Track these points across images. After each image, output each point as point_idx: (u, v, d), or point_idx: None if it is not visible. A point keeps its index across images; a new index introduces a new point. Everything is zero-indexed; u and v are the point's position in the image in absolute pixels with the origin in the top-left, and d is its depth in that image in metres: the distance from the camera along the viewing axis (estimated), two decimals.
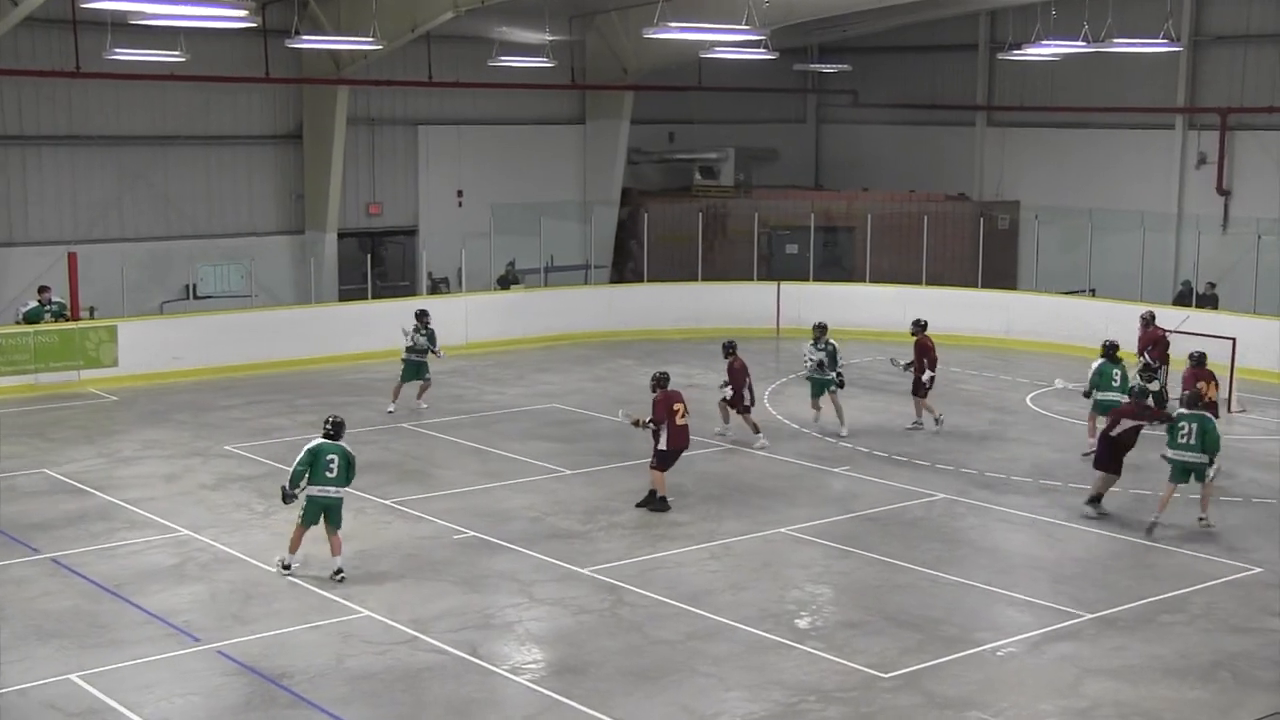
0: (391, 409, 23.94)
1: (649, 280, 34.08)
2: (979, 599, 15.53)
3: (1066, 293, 32.48)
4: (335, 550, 15.72)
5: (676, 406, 18.53)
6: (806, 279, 33.97)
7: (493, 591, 15.55)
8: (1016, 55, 31.42)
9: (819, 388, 22.92)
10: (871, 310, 32.36)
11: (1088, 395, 21.41)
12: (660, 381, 18.74)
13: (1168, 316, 25.91)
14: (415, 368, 24.28)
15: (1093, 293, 32.57)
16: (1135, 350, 24.21)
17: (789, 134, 41.42)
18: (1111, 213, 33.60)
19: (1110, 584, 15.94)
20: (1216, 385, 20.70)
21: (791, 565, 16.55)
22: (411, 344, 24.16)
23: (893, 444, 22.44)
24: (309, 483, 15.52)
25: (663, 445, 18.48)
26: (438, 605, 15.07)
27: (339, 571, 15.64)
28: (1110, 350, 21.43)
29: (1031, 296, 32.18)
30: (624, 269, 36.58)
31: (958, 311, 31.20)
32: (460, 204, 34.97)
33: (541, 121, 36.17)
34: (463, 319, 30.71)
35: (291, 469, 15.75)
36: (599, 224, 36.17)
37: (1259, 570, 16.41)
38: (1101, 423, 19.80)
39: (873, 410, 25.05)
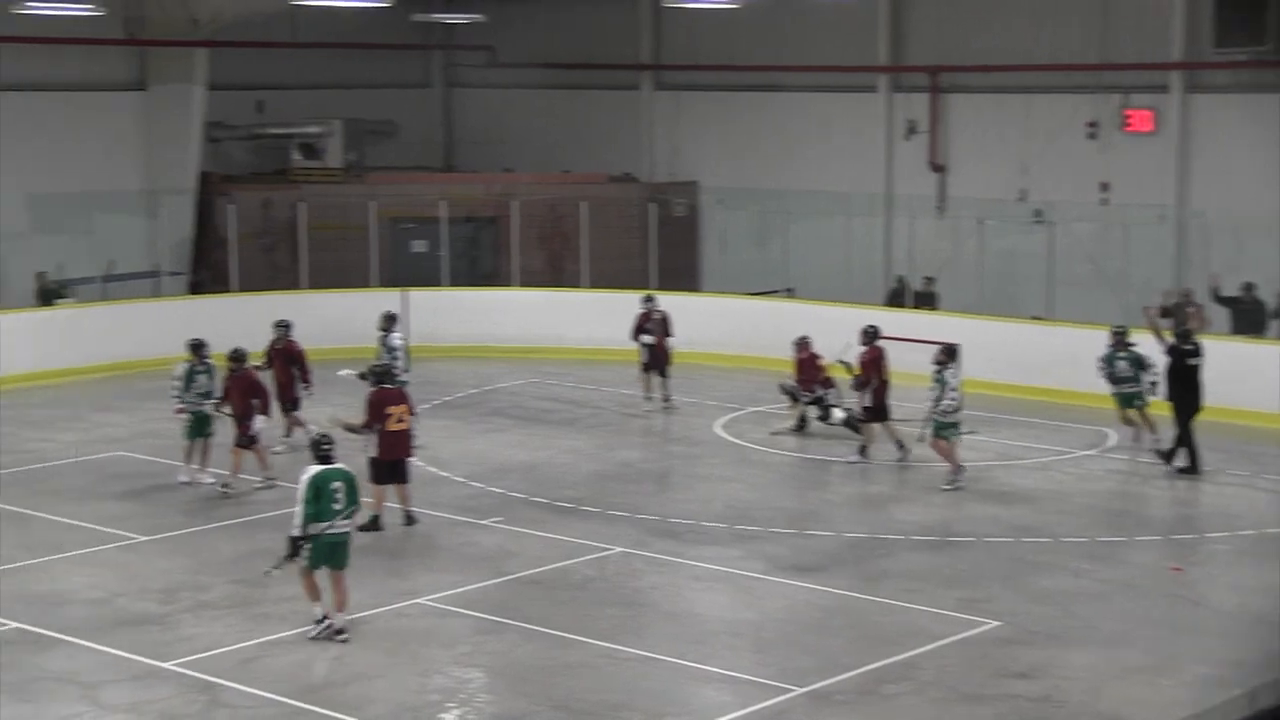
0: (186, 479, 22.48)
1: (240, 290, 33.48)
2: (667, 676, 15.74)
3: (760, 294, 33.43)
4: (341, 603, 16.49)
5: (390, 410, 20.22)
6: (440, 284, 33.99)
7: (47, 700, 15.01)
8: (686, 1, 32.05)
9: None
10: (520, 321, 32.64)
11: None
12: (376, 374, 20.77)
13: (880, 322, 26.88)
14: (200, 422, 22.68)
15: (790, 293, 33.61)
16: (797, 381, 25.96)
17: (411, 102, 41.36)
18: (810, 195, 34.73)
19: (823, 649, 16.42)
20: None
21: (433, 645, 16.48)
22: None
23: (552, 487, 22.64)
24: (315, 520, 16.36)
25: (374, 454, 20.28)
26: None
27: (341, 631, 16.38)
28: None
29: (717, 300, 32.95)
30: (207, 276, 35.86)
31: (628, 320, 31.63)
32: None
33: (89, 87, 35.16)
34: None
35: (299, 511, 16.27)
36: (170, 218, 35.36)
37: (994, 624, 17.19)
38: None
39: (529, 445, 25.21)
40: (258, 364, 23.87)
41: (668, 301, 28.70)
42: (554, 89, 39.82)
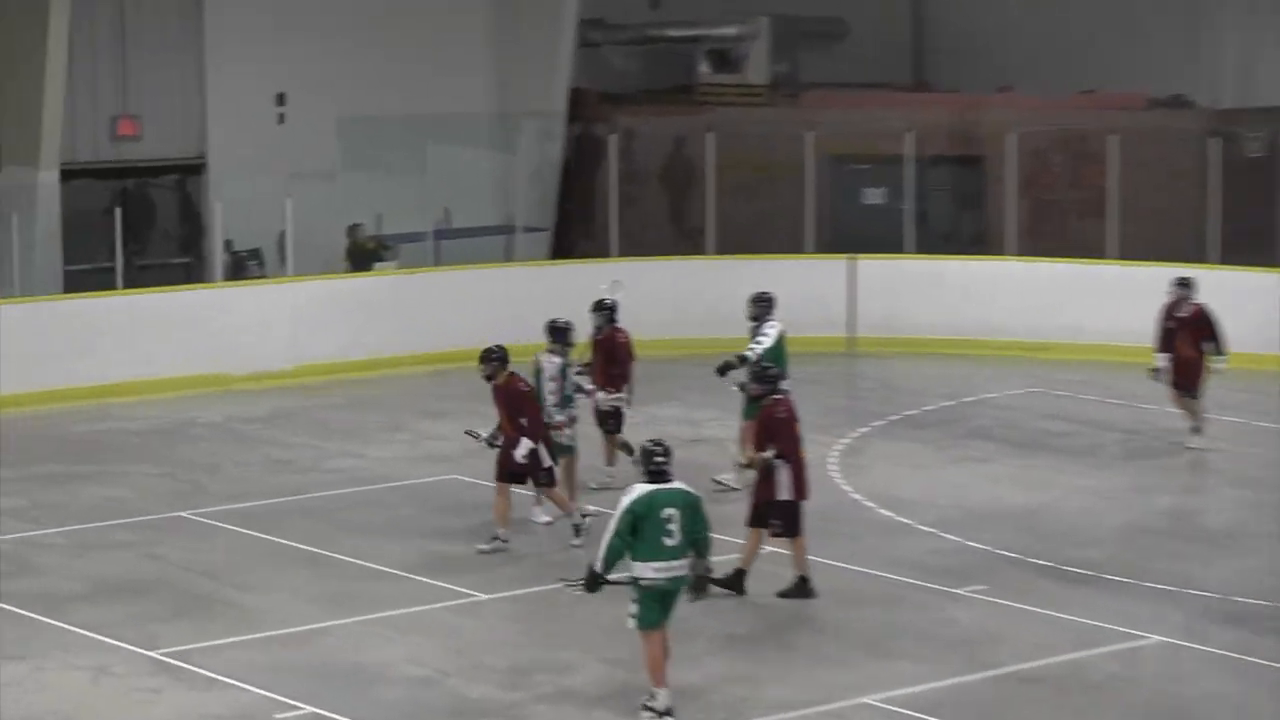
0: (548, 518, 22.91)
1: (621, 255, 33.88)
2: None
3: None
4: (655, 672, 16.84)
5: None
6: (902, 250, 33.99)
7: None
8: None
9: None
10: (1018, 305, 32.56)
11: None
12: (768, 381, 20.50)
13: None
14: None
15: None
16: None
17: None
18: None
19: None
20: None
21: None
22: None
23: (1061, 545, 22.31)
24: (639, 558, 16.62)
25: (786, 494, 19.97)
26: None
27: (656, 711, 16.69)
28: None
29: None
30: (577, 234, 36.49)
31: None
32: (282, 119, 34.86)
33: None
34: (288, 323, 30.58)
35: (606, 541, 16.66)
36: (530, 153, 36.06)
37: None
38: None
39: (1026, 483, 25.03)
40: (579, 366, 23.79)
41: (1231, 281, 28.02)
42: None
